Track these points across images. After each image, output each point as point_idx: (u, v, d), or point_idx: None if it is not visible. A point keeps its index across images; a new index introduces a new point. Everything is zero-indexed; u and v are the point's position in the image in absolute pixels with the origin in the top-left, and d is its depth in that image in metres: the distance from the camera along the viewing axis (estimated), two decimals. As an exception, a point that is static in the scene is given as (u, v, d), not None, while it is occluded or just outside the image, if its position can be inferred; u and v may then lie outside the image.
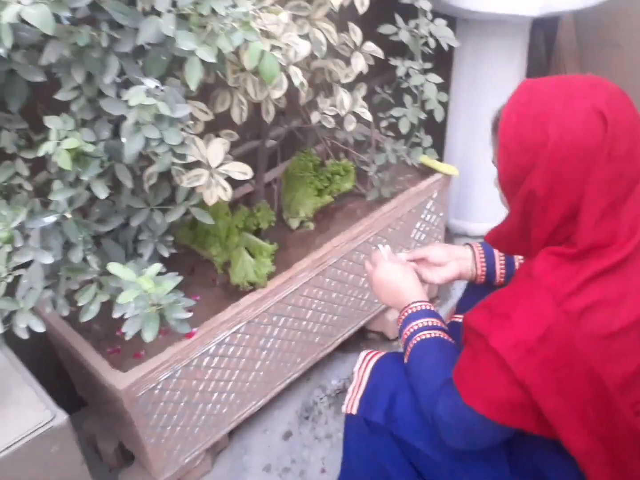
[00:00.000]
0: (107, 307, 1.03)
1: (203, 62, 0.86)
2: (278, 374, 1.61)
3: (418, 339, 1.09)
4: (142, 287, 0.79)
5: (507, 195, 0.94)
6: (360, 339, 1.87)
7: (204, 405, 1.46)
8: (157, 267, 0.81)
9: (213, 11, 0.82)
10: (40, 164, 1.08)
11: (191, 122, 1.00)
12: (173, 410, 1.39)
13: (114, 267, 0.80)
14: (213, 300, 1.46)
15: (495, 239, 1.02)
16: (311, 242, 1.60)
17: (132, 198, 1.17)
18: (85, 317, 1.01)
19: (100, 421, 1.61)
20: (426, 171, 1.74)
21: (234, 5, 0.83)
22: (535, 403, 0.86)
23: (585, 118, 0.82)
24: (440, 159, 1.74)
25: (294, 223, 1.61)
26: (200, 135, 1.17)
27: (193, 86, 0.86)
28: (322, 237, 1.60)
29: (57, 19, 0.80)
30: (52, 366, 1.48)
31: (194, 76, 0.85)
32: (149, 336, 0.85)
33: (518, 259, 1.24)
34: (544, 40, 2.29)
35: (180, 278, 0.88)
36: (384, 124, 1.57)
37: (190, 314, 0.89)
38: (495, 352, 0.87)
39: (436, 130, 2.00)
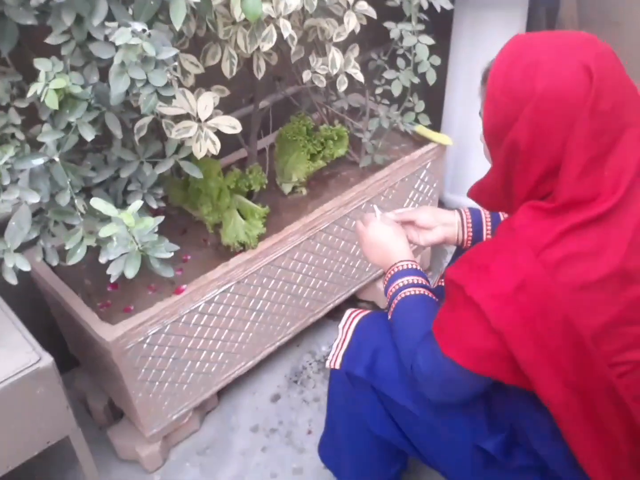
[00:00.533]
0: (98, 262, 1.05)
1: (189, 4, 0.87)
2: (267, 337, 1.63)
3: (403, 295, 1.10)
4: (123, 222, 0.80)
5: (491, 147, 0.94)
6: (351, 307, 1.88)
7: (192, 363, 1.48)
8: (139, 204, 0.83)
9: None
10: (34, 117, 1.10)
11: (177, 74, 1.00)
12: (161, 366, 1.41)
13: (96, 202, 0.82)
14: (204, 260, 1.48)
15: (478, 193, 1.03)
16: (303, 207, 1.61)
17: (123, 150, 1.19)
18: (72, 260, 1.03)
19: (91, 379, 1.63)
20: (421, 141, 1.75)
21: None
22: (511, 352, 0.88)
23: (572, 72, 0.83)
24: (438, 132, 1.74)
25: (287, 188, 1.63)
26: (192, 90, 1.19)
27: (177, 25, 0.88)
28: (315, 203, 1.61)
29: (45, -44, 0.81)
30: (45, 325, 1.49)
31: (178, 15, 0.86)
32: (130, 272, 0.87)
33: (505, 222, 1.24)
34: (545, 16, 2.27)
35: (161, 218, 0.90)
36: (378, 91, 1.57)
37: (171, 254, 0.91)
38: (473, 301, 0.88)
39: (434, 104, 2.01)
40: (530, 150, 0.86)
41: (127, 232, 0.83)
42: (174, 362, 1.44)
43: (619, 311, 0.85)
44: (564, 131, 0.83)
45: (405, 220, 1.25)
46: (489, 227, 1.25)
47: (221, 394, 1.67)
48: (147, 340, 1.35)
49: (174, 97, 0.96)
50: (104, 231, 0.81)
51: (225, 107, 1.26)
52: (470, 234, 1.25)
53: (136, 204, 0.83)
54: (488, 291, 0.88)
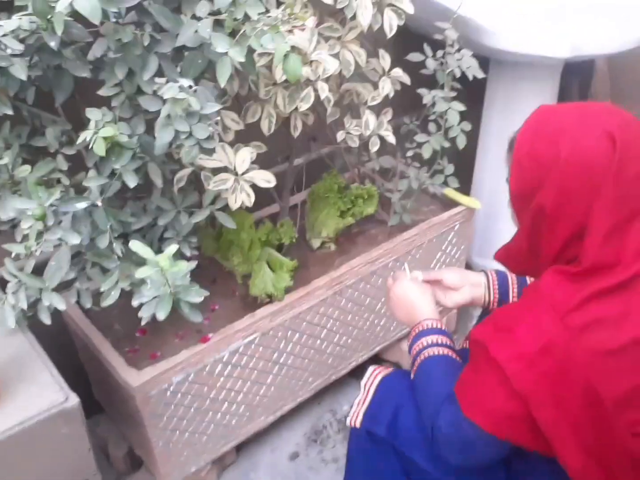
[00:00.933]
0: (129, 308, 1.07)
1: (233, 64, 0.92)
2: (289, 391, 1.62)
3: (427, 354, 1.11)
4: (159, 265, 0.83)
5: (517, 212, 0.97)
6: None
7: (213, 414, 1.48)
8: (174, 248, 0.86)
9: (246, 16, 0.88)
10: (80, 164, 1.15)
11: (218, 128, 1.05)
12: (183, 414, 1.42)
13: (135, 245, 0.85)
14: (231, 310, 1.50)
15: (505, 257, 1.05)
16: (331, 263, 1.63)
17: (162, 199, 1.24)
18: (106, 302, 1.06)
19: (113, 426, 1.64)
20: (450, 204, 1.78)
21: (266, 11, 0.90)
22: (532, 416, 0.87)
23: (597, 138, 0.85)
24: (467, 195, 1.77)
25: (316, 243, 1.66)
26: (231, 145, 1.24)
27: (222, 83, 0.93)
28: (342, 259, 1.64)
29: (105, 15, 0.87)
30: (73, 369, 1.51)
31: (223, 74, 0.91)
32: (161, 315, 0.89)
33: (531, 287, 1.25)
34: (578, 90, 2.33)
35: (194, 263, 0.92)
36: (409, 153, 1.62)
37: (201, 299, 0.93)
38: (496, 362, 0.89)
39: (465, 168, 2.05)
40: (556, 215, 0.88)
41: (161, 275, 0.86)
42: (195, 412, 1.44)
43: None
44: (589, 196, 0.85)
45: (432, 279, 1.26)
46: (515, 289, 1.26)
47: (240, 448, 1.66)
48: (171, 388, 1.35)
49: (214, 149, 1.01)
50: (140, 272, 0.84)
51: (262, 163, 1.30)
52: (497, 295, 1.25)
53: (171, 248, 0.86)
54: (511, 353, 0.88)
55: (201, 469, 1.55)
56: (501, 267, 1.30)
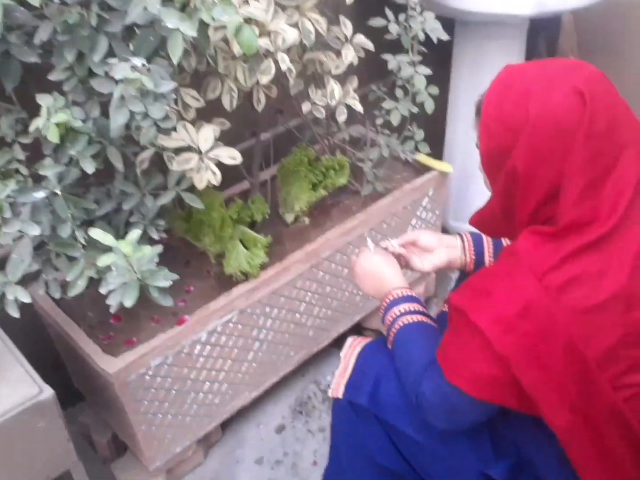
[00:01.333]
0: (101, 295, 1.04)
1: (187, 40, 0.89)
2: (271, 367, 1.62)
3: (400, 323, 1.10)
4: (121, 251, 0.81)
5: (490, 176, 0.95)
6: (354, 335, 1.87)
7: (195, 394, 1.47)
8: (137, 232, 0.84)
9: (195, -12, 0.85)
10: (39, 153, 1.12)
11: (175, 107, 1.02)
12: (164, 398, 1.41)
13: (94, 232, 0.83)
14: (207, 291, 1.48)
15: (480, 221, 1.03)
16: (306, 236, 1.62)
17: (125, 183, 1.21)
18: (73, 292, 1.04)
19: (96, 414, 1.63)
20: (422, 169, 1.76)
21: (215, -17, 0.87)
22: (516, 378, 0.87)
23: (565, 97, 0.84)
24: (440, 160, 1.76)
25: (290, 217, 1.64)
26: (193, 123, 1.21)
27: (175, 60, 0.89)
28: (317, 232, 1.62)
29: (48, -4, 0.83)
30: (50, 360, 1.50)
31: (176, 50, 0.88)
32: (128, 302, 0.87)
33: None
34: (546, 47, 2.31)
35: (159, 247, 0.91)
36: (379, 121, 1.59)
37: (169, 283, 0.91)
38: (477, 327, 0.88)
39: (437, 133, 2.03)
40: (529, 177, 0.87)
41: (125, 261, 0.84)
42: (177, 394, 1.43)
43: (623, 334, 0.85)
44: (561, 155, 0.84)
45: (407, 242, 1.25)
46: (491, 250, 1.25)
47: (225, 426, 1.66)
48: (150, 372, 1.34)
49: (173, 129, 0.98)
50: (102, 260, 0.82)
51: (228, 140, 1.28)
52: (473, 256, 1.25)
53: (134, 233, 0.84)
54: (491, 317, 0.87)
55: (187, 449, 1.55)
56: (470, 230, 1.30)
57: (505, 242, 1.25)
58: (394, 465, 1.17)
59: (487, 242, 1.26)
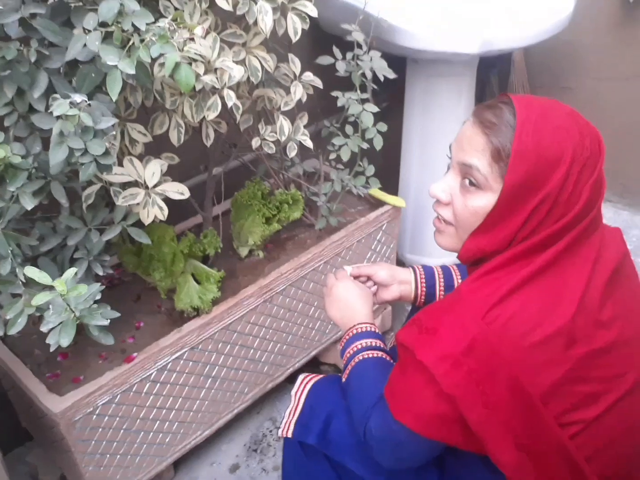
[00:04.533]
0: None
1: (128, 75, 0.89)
2: (225, 404, 1.59)
3: (360, 357, 1.09)
4: (57, 290, 0.79)
5: (503, 208, 0.88)
6: (313, 371, 1.85)
7: (145, 434, 1.44)
8: (72, 271, 0.82)
9: (134, 26, 0.86)
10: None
11: (115, 144, 1.02)
12: (112, 437, 1.37)
13: (29, 271, 0.81)
14: (157, 327, 1.46)
15: (472, 258, 0.97)
16: (260, 271, 1.61)
17: (70, 218, 1.19)
18: (12, 330, 1.01)
19: (43, 453, 1.58)
20: (376, 204, 1.78)
21: (154, 22, 0.87)
22: (462, 416, 0.87)
23: (592, 138, 0.87)
24: (395, 195, 1.78)
25: (243, 251, 1.63)
26: (141, 158, 1.21)
27: (114, 97, 0.89)
28: (272, 266, 1.62)
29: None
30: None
31: (114, 87, 0.88)
32: (64, 341, 0.85)
33: (457, 280, 1.26)
34: (498, 83, 2.37)
35: (98, 285, 0.89)
36: (332, 156, 1.61)
37: (107, 322, 0.90)
38: (423, 365, 0.88)
39: (392, 168, 2.06)
40: (550, 214, 0.87)
41: (61, 300, 0.82)
42: (125, 433, 1.40)
43: (566, 370, 0.85)
44: (578, 197, 0.86)
45: (363, 275, 1.26)
46: (442, 284, 1.26)
47: (177, 465, 1.62)
48: (97, 411, 1.31)
49: (116, 165, 0.97)
50: (37, 299, 0.81)
51: (181, 174, 1.28)
52: (424, 289, 1.25)
53: (70, 271, 0.83)
54: (437, 354, 0.87)
55: (137, 491, 1.51)
56: (431, 264, 1.31)
57: (455, 274, 1.26)
58: (342, 503, 1.16)
59: (438, 275, 1.27)
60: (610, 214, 2.52)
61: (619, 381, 0.89)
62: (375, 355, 1.09)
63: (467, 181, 0.90)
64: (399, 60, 1.73)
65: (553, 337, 0.84)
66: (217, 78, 1.11)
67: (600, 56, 2.30)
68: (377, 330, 1.14)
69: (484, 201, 0.89)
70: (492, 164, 0.87)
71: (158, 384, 1.41)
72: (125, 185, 1.17)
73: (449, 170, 0.95)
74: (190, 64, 0.98)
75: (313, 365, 1.85)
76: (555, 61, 2.37)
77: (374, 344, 1.11)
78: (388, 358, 1.10)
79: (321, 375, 1.25)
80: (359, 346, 1.11)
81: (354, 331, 1.14)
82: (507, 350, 0.84)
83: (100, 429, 1.34)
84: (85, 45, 0.89)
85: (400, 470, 1.07)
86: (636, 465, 0.96)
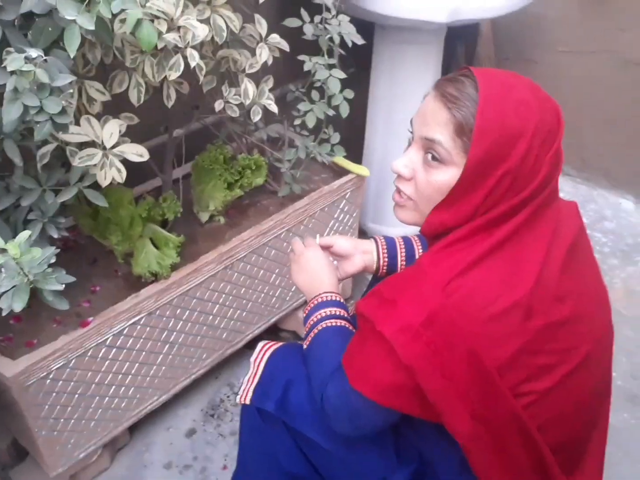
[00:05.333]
0: None
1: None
2: (182, 370, 1.58)
3: (323, 325, 1.09)
4: (10, 254, 0.76)
5: (470, 182, 0.88)
6: (272, 337, 1.86)
7: (100, 398, 1.42)
8: (26, 234, 0.79)
9: (94, -21, 0.81)
10: None
11: (73, 102, 0.98)
12: (67, 402, 1.35)
13: (-21, 233, 0.78)
14: (113, 291, 1.43)
15: (435, 232, 0.96)
16: (221, 236, 1.59)
17: (25, 178, 1.15)
18: (-38, 294, 0.97)
19: (-5, 418, 1.55)
20: (341, 172, 1.77)
21: (117, -26, 0.83)
22: (419, 386, 0.87)
23: (552, 109, 0.87)
24: (359, 163, 1.77)
25: (204, 217, 1.60)
26: (99, 117, 1.16)
27: (72, 53, 0.85)
28: (233, 232, 1.60)
29: None
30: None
31: (72, 43, 0.84)
32: (17, 306, 0.83)
33: (418, 251, 1.26)
34: (464, 53, 2.36)
35: (52, 249, 0.86)
36: (297, 122, 1.58)
37: (62, 287, 0.87)
38: (382, 336, 0.88)
39: (357, 136, 2.04)
40: (511, 188, 0.86)
41: (14, 263, 0.79)
42: (80, 398, 1.38)
43: (524, 342, 0.86)
44: (539, 169, 0.86)
45: (324, 245, 1.25)
46: (403, 255, 1.26)
47: (133, 430, 1.62)
48: (51, 376, 1.29)
49: (73, 124, 0.94)
50: (-12, 263, 0.77)
51: (141, 135, 1.24)
52: (386, 260, 1.25)
53: (23, 234, 0.80)
54: (396, 326, 0.87)
55: (91, 454, 1.49)
56: (392, 234, 1.31)
57: (416, 245, 1.27)
58: (300, 471, 1.17)
59: (399, 246, 1.27)
60: (569, 188, 2.56)
61: (571, 354, 0.91)
62: (338, 324, 1.09)
63: (429, 156, 0.90)
64: (367, 26, 1.70)
65: (511, 310, 0.85)
66: (180, 37, 1.07)
67: (566, 30, 2.31)
68: (342, 300, 1.14)
69: (447, 176, 0.89)
70: (455, 139, 0.87)
71: (114, 349, 1.38)
72: (82, 146, 1.13)
73: (411, 145, 0.94)
74: (152, 21, 0.94)
75: (272, 332, 1.84)
76: (522, 34, 2.37)
77: (338, 313, 1.11)
78: (351, 328, 1.10)
79: (281, 343, 1.25)
80: (323, 314, 1.11)
81: (319, 299, 1.13)
82: (466, 323, 0.85)
83: (54, 394, 1.32)
84: (41, -4, 0.84)
85: (356, 437, 1.08)
86: (580, 436, 0.99)
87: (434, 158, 0.89)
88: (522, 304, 0.85)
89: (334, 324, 1.09)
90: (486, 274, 0.86)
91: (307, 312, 1.14)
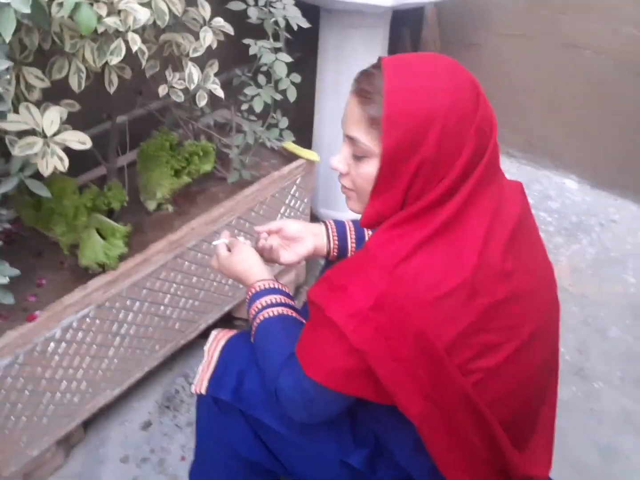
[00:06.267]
0: None
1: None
2: (135, 362, 1.56)
3: (262, 317, 1.09)
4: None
5: (389, 171, 0.90)
6: (227, 326, 1.84)
7: (51, 394, 1.39)
8: (-36, 226, 0.76)
9: (28, -41, 0.78)
10: None
11: (10, 88, 0.94)
12: (17, 399, 1.32)
13: None
14: (60, 284, 1.39)
15: (375, 220, 0.97)
16: (170, 225, 1.56)
17: (-39, 169, 1.10)
18: None
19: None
20: (290, 157, 1.76)
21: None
22: (371, 370, 0.88)
23: (467, 89, 0.86)
24: (309, 149, 1.76)
25: (151, 205, 1.58)
26: (38, 104, 1.12)
27: (7, 38, 0.82)
28: (182, 220, 1.57)
29: None
30: None
31: (7, 28, 0.80)
32: (-43, 302, 0.79)
33: (368, 234, 1.26)
34: (410, 38, 2.37)
35: (-6, 241, 0.83)
36: (244, 107, 1.56)
37: (5, 280, 0.84)
38: (332, 322, 0.88)
39: (306, 120, 2.04)
40: (432, 172, 0.87)
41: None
42: (30, 395, 1.34)
43: (469, 322, 0.87)
44: (459, 150, 0.86)
45: (273, 230, 1.24)
46: (353, 238, 1.27)
47: (87, 425, 1.58)
48: (-1, 373, 1.25)
49: (11, 112, 0.90)
50: None
51: (83, 123, 1.20)
52: (337, 242, 1.26)
53: (-39, 227, 0.76)
54: (346, 311, 0.88)
55: (45, 452, 1.46)
56: (342, 218, 1.31)
57: (366, 230, 1.27)
58: (257, 457, 1.16)
59: (349, 229, 1.28)
60: (514, 170, 2.61)
61: (517, 332, 0.92)
62: (278, 312, 1.09)
63: (355, 150, 0.92)
64: (312, 10, 1.69)
65: (455, 291, 0.86)
66: (120, 20, 1.04)
67: (510, 14, 2.35)
68: (275, 285, 1.13)
69: (372, 168, 0.91)
70: (370, 132, 0.89)
71: (63, 343, 1.35)
72: (21, 134, 1.09)
73: (344, 141, 0.97)
74: (91, 4, 0.91)
75: (226, 320, 1.83)
76: (467, 18, 2.40)
77: (275, 301, 1.10)
78: (290, 312, 1.10)
79: (234, 331, 1.24)
80: (260, 305, 1.10)
81: (253, 290, 1.13)
82: (413, 305, 0.86)
83: (3, 391, 1.28)
84: (-29, -23, 0.80)
85: (313, 424, 1.08)
86: (529, 412, 1.02)
87: (360, 152, 0.92)
88: (466, 285, 0.87)
89: (271, 314, 1.09)
90: (430, 257, 0.87)
91: (246, 305, 1.14)
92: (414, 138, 0.85)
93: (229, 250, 1.20)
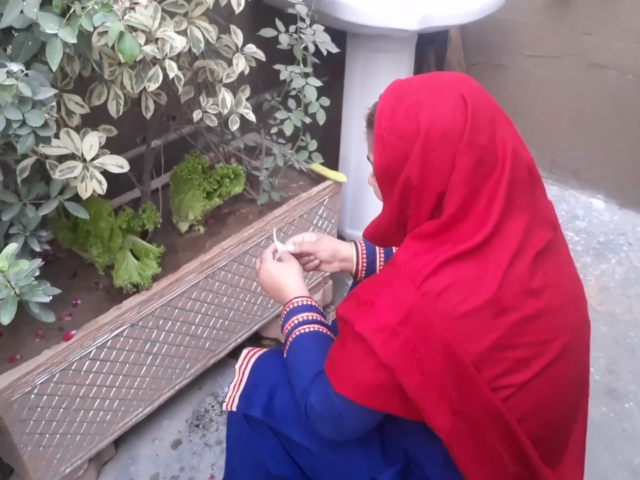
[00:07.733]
0: None
1: (67, 46, 0.85)
2: (166, 381, 1.58)
3: (297, 333, 1.11)
4: (-4, 267, 0.77)
5: (384, 189, 0.96)
6: (255, 346, 1.86)
7: (85, 412, 1.41)
8: (13, 246, 0.79)
9: (74, -7, 0.82)
10: None
11: (54, 114, 0.98)
12: (51, 417, 1.35)
13: (-35, 248, 0.78)
14: (95, 304, 1.43)
15: (373, 235, 1.05)
16: (201, 246, 1.59)
17: (4, 192, 1.14)
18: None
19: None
20: (318, 179, 1.78)
21: (96, -11, 0.84)
22: (400, 385, 0.89)
23: (453, 106, 0.87)
24: (336, 170, 1.79)
25: (184, 226, 1.61)
26: (78, 129, 1.17)
27: (54, 66, 0.86)
28: (213, 241, 1.60)
29: None
30: None
31: (54, 57, 0.84)
32: (5, 319, 0.83)
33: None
34: (435, 59, 2.40)
35: (38, 261, 0.86)
36: (274, 130, 1.60)
37: (49, 299, 0.87)
38: (361, 337, 0.90)
39: (333, 143, 2.07)
40: (422, 187, 0.89)
41: (1, 276, 0.79)
42: (65, 412, 1.37)
43: (497, 337, 0.89)
44: (449, 165, 0.87)
45: (305, 253, 1.26)
46: (382, 258, 1.29)
47: (118, 443, 1.61)
48: (35, 391, 1.28)
49: (52, 137, 0.94)
50: (-26, 278, 0.77)
51: (118, 147, 1.24)
52: (365, 264, 1.28)
53: (11, 246, 0.80)
54: (375, 325, 0.89)
55: (77, 469, 1.48)
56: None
57: (394, 251, 1.29)
58: (287, 474, 1.18)
59: (378, 250, 1.29)
60: (540, 190, 2.61)
61: (547, 347, 0.93)
62: (311, 329, 1.10)
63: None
64: (339, 35, 1.72)
65: (482, 308, 0.88)
66: (158, 48, 1.08)
67: (534, 35, 2.36)
68: (312, 303, 1.15)
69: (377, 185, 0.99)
70: (373, 152, 0.94)
71: (98, 362, 1.38)
72: (61, 159, 1.14)
73: None
74: (130, 33, 0.94)
75: (255, 340, 1.85)
76: (491, 39, 2.42)
77: (309, 318, 1.12)
78: (325, 330, 1.11)
79: (265, 349, 1.26)
80: (296, 321, 1.12)
81: (290, 306, 1.15)
82: (441, 320, 0.87)
83: (38, 409, 1.31)
84: (22, 11, 0.84)
85: (342, 441, 1.09)
86: (560, 429, 1.02)
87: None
88: (492, 302, 0.88)
89: (307, 330, 1.10)
90: (458, 273, 0.89)
91: (281, 320, 1.16)
92: (402, 154, 0.89)
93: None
